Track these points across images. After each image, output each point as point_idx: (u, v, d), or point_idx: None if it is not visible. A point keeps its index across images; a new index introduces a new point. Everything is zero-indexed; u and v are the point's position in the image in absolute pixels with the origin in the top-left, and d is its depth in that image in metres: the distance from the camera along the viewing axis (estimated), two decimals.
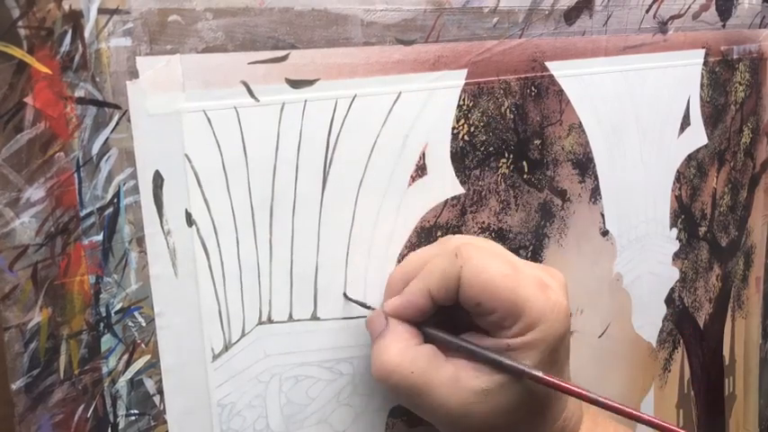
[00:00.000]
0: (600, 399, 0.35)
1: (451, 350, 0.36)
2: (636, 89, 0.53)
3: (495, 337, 0.36)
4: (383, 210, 0.39)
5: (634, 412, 0.35)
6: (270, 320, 0.36)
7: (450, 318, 0.37)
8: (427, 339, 0.37)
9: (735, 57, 0.62)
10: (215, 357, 0.34)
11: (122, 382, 0.32)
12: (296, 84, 0.35)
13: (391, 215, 0.39)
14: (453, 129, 0.42)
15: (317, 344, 0.38)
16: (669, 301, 0.61)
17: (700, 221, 0.63)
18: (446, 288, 0.35)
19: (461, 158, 0.42)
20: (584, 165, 0.50)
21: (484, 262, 0.35)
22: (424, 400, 0.35)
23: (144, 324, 0.32)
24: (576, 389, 0.35)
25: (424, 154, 0.40)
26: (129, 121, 0.30)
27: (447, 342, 0.36)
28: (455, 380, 0.35)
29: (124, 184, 0.30)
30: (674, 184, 0.59)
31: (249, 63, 0.33)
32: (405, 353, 0.35)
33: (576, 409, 0.39)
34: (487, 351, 0.35)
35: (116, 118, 0.30)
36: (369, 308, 0.38)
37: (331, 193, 0.37)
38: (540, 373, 0.35)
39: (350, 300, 0.38)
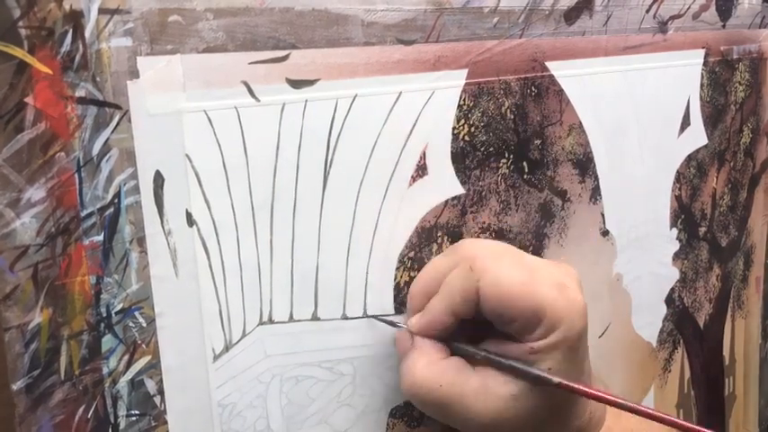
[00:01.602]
0: (619, 400, 0.36)
1: (477, 360, 0.37)
2: (636, 89, 0.53)
3: (519, 342, 0.36)
4: (384, 210, 0.39)
5: (652, 412, 0.35)
6: (270, 321, 0.36)
7: (475, 325, 0.38)
8: (454, 352, 0.38)
9: (735, 57, 0.62)
10: (216, 357, 0.34)
11: (123, 383, 0.31)
12: (296, 84, 0.35)
13: (392, 215, 0.39)
14: (454, 129, 0.42)
15: (317, 344, 0.38)
16: (669, 301, 0.61)
17: (700, 221, 0.63)
18: (466, 304, 0.36)
19: (462, 159, 0.42)
20: (585, 165, 0.50)
21: (500, 273, 0.36)
22: (454, 412, 0.36)
23: (144, 324, 0.32)
24: (596, 392, 0.36)
25: (424, 154, 0.40)
26: (129, 121, 0.30)
27: (472, 354, 0.37)
28: (483, 389, 0.36)
29: (125, 185, 0.30)
30: (673, 184, 0.59)
31: (250, 63, 0.33)
32: (431, 368, 0.36)
33: (596, 410, 0.40)
34: (511, 360, 0.36)
35: (117, 118, 0.30)
36: (397, 326, 0.39)
37: (331, 193, 0.37)
38: (560, 380, 0.35)
39: (378, 319, 0.39)
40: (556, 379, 0.35)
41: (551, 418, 0.37)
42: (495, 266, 0.36)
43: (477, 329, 0.38)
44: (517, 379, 0.36)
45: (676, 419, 0.36)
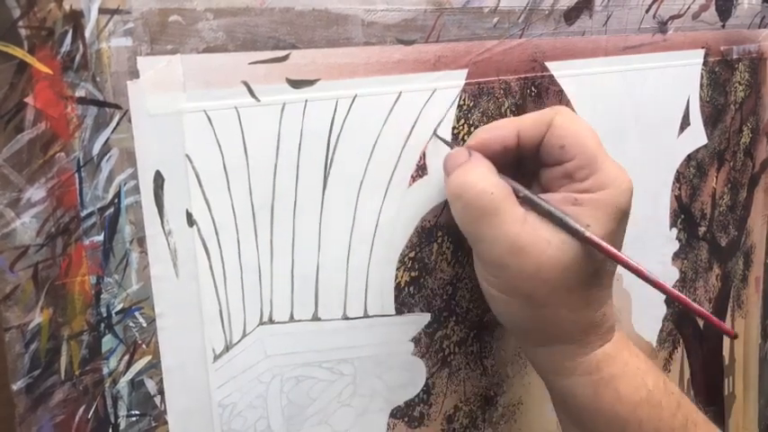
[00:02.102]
0: (650, 276, 0.35)
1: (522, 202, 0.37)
2: (636, 89, 0.53)
3: (562, 191, 0.37)
4: (384, 209, 0.39)
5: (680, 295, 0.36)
6: (271, 321, 0.36)
7: (518, 179, 0.38)
8: None
9: (734, 57, 0.62)
10: (216, 358, 0.34)
11: (123, 383, 0.31)
12: (297, 84, 0.35)
13: (392, 215, 0.39)
14: (454, 129, 0.42)
15: (318, 344, 0.38)
16: (669, 301, 0.61)
17: (699, 221, 0.63)
18: (535, 129, 0.37)
19: None
20: None
21: (576, 117, 0.38)
22: (491, 225, 0.35)
23: (145, 324, 0.32)
24: (625, 258, 0.35)
25: (424, 154, 0.40)
26: (129, 121, 0.30)
27: (520, 191, 0.37)
28: (524, 220, 0.35)
29: (125, 185, 0.30)
30: (673, 183, 0.59)
31: (250, 63, 0.33)
32: (488, 176, 0.36)
33: (611, 313, 0.39)
34: (555, 208, 0.36)
35: (117, 118, 0.30)
36: (452, 145, 0.40)
37: (332, 192, 0.37)
38: (591, 234, 0.35)
39: (438, 138, 0.40)
40: (587, 232, 0.35)
41: (571, 285, 0.36)
42: (573, 113, 0.38)
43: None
44: (555, 228, 0.35)
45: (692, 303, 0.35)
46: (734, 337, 0.34)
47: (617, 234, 0.37)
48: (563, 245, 0.35)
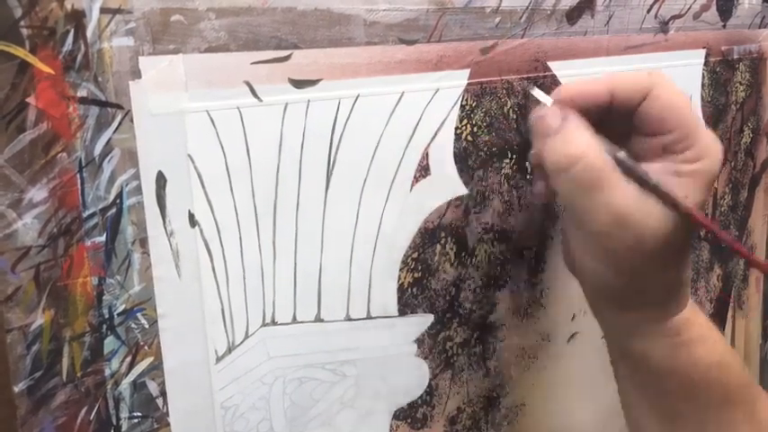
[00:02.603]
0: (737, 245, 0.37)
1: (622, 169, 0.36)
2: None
3: (663, 162, 0.36)
4: (387, 210, 0.39)
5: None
6: (273, 322, 0.36)
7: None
8: None
9: (735, 57, 0.62)
10: (218, 359, 0.34)
11: (125, 385, 0.31)
12: (299, 84, 0.35)
13: (395, 216, 0.39)
14: (456, 129, 0.41)
15: (320, 346, 0.37)
16: None
17: None
18: (631, 93, 0.36)
19: (464, 159, 0.42)
20: None
21: (674, 87, 0.36)
22: (601, 194, 0.34)
23: (147, 326, 0.32)
24: (726, 235, 0.36)
25: (427, 154, 0.40)
26: (131, 121, 0.30)
27: (625, 162, 0.35)
28: (629, 192, 0.35)
29: (127, 185, 0.30)
30: None
31: (252, 63, 0.33)
32: (593, 146, 0.35)
33: (690, 279, 0.40)
34: (659, 183, 0.35)
35: (119, 118, 0.30)
36: (538, 98, 0.38)
37: (334, 193, 0.37)
38: (691, 208, 0.35)
39: (532, 92, 0.39)
40: (690, 207, 0.35)
41: (664, 253, 0.36)
42: (671, 82, 0.36)
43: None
44: (657, 201, 0.35)
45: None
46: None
47: (707, 200, 0.38)
48: (664, 217, 0.35)
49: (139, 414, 0.32)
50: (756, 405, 0.40)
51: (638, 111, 0.36)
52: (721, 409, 0.39)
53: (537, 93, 0.39)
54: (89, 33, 0.29)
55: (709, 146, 0.36)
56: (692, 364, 0.39)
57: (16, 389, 0.28)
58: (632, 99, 0.36)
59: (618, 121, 0.37)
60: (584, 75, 0.49)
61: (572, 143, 0.35)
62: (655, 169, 0.36)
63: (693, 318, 0.39)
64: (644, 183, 0.35)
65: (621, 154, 0.35)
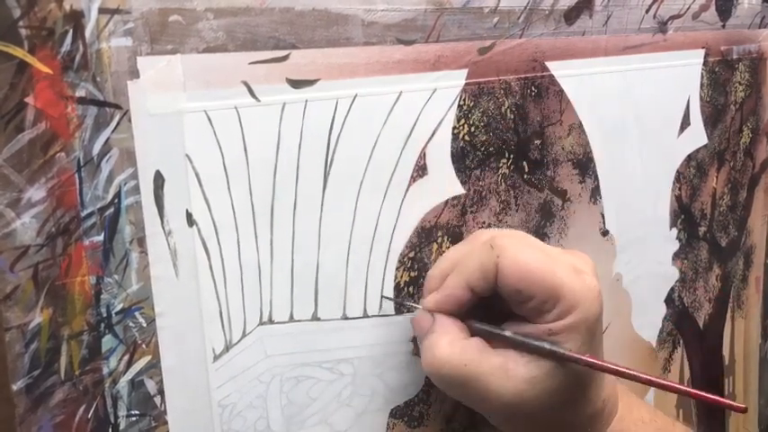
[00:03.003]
0: (640, 375, 0.36)
1: (497, 341, 0.37)
2: (636, 89, 0.53)
3: (536, 323, 0.36)
4: (384, 210, 0.39)
5: (677, 386, 0.38)
6: (271, 321, 0.36)
7: (490, 308, 0.38)
8: (473, 333, 0.38)
9: (734, 57, 0.62)
10: (216, 358, 0.34)
11: (123, 383, 0.31)
12: (297, 84, 0.35)
13: (392, 215, 0.39)
14: (454, 129, 0.42)
15: (317, 344, 0.38)
16: (669, 301, 0.61)
17: (699, 221, 0.63)
18: (484, 279, 0.36)
19: (462, 158, 0.42)
20: (585, 165, 0.50)
21: (519, 251, 0.36)
22: (475, 391, 0.36)
23: (145, 324, 0.32)
24: (616, 367, 0.36)
25: (424, 154, 0.40)
26: (129, 121, 0.30)
27: (492, 334, 0.37)
28: (504, 370, 0.36)
29: (125, 185, 0.30)
30: (673, 183, 0.59)
31: (250, 63, 0.33)
32: (454, 345, 0.36)
33: (612, 391, 0.41)
34: (531, 340, 0.36)
35: (117, 118, 0.30)
36: (413, 306, 0.39)
37: (332, 193, 0.37)
38: (582, 356, 0.36)
39: (389, 299, 0.40)
40: (585, 356, 0.36)
41: (568, 402, 0.37)
42: (514, 246, 0.36)
43: (494, 313, 0.38)
44: (538, 360, 0.36)
45: (700, 392, 0.36)
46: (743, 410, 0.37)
47: (596, 336, 0.38)
48: (548, 375, 0.36)
49: (137, 412, 0.32)
50: None
51: (497, 288, 0.37)
52: None
53: (389, 298, 0.40)
54: (87, 33, 0.29)
55: (579, 295, 0.36)
56: None
57: (15, 387, 0.28)
58: (487, 285, 0.37)
59: (495, 298, 0.38)
60: (582, 75, 0.49)
61: (436, 348, 0.37)
62: (529, 332, 0.36)
63: (622, 426, 0.41)
64: (524, 347, 0.36)
65: (488, 327, 0.38)
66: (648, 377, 0.36)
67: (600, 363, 0.36)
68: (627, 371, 0.36)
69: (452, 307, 0.37)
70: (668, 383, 0.37)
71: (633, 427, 0.41)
